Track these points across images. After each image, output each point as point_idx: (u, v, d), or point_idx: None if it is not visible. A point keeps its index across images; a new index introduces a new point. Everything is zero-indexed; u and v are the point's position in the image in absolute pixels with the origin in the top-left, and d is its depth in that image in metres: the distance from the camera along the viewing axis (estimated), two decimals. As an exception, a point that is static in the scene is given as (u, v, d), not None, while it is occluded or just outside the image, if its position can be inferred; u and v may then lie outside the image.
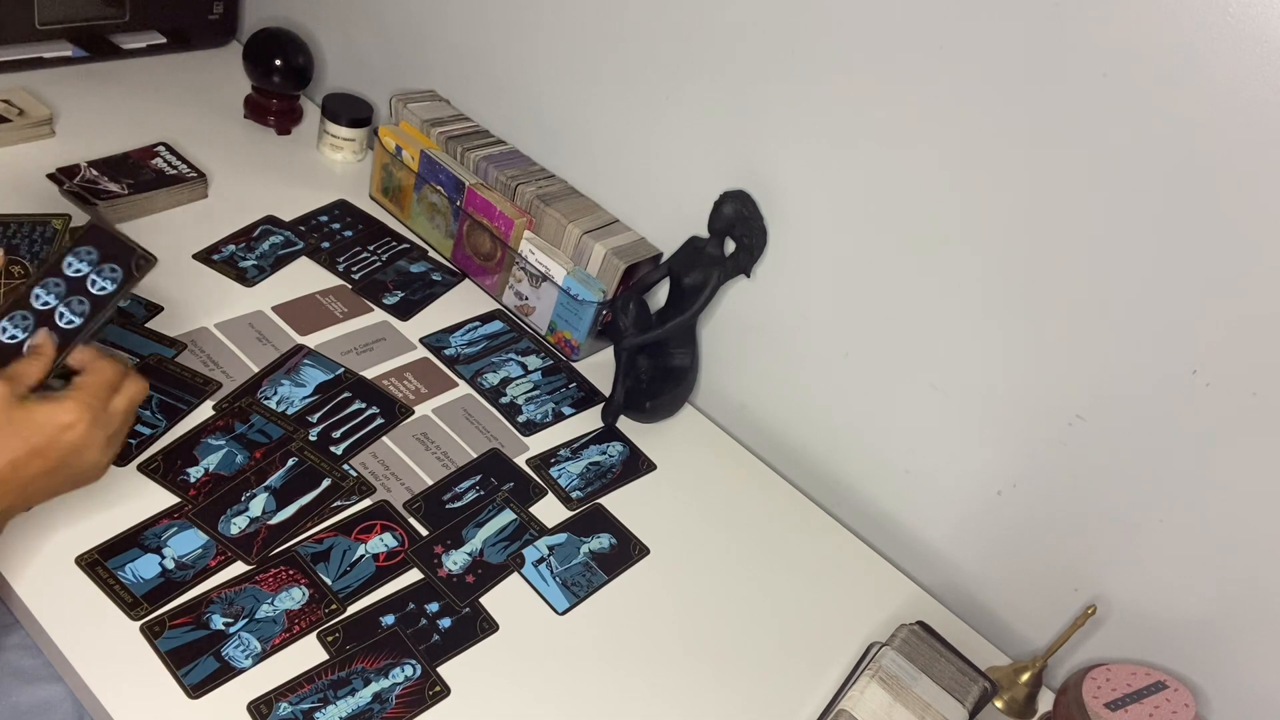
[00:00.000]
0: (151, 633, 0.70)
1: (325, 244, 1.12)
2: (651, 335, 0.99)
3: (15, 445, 0.63)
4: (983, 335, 0.88)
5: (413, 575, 0.81)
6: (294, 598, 0.76)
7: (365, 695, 0.72)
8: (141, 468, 0.81)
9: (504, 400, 1.01)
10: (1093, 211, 0.78)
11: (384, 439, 0.91)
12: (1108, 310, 0.80)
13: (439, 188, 1.13)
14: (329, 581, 0.78)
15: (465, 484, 0.90)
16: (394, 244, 1.16)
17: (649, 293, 1.05)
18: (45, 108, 1.12)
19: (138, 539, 0.76)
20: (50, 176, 1.05)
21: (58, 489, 0.68)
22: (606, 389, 1.05)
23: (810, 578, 0.95)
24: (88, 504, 0.77)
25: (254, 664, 0.71)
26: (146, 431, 0.84)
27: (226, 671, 0.70)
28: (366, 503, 0.85)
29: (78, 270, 0.68)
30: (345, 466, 0.87)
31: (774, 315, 1.02)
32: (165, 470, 0.81)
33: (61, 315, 0.66)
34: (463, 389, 1.00)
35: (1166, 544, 0.83)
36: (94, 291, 0.67)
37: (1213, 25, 0.69)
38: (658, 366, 1.04)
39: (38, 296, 0.68)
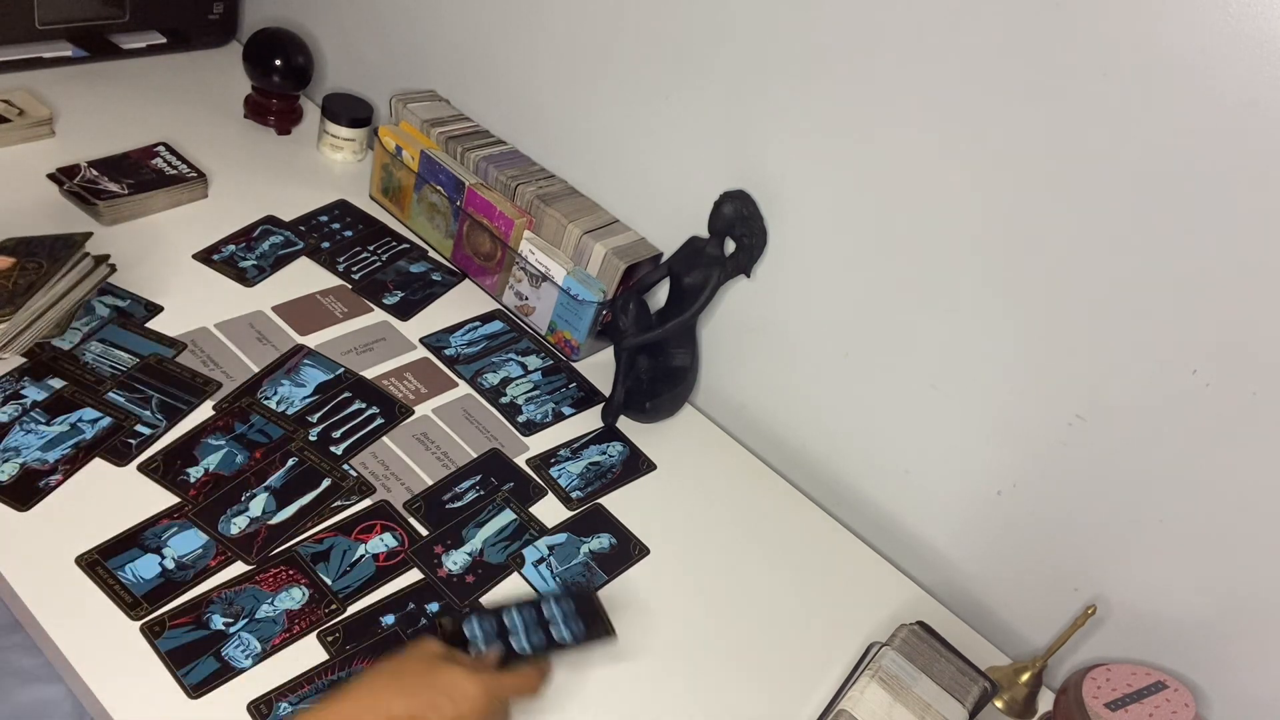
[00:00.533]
0: (151, 633, 0.70)
1: (325, 244, 1.12)
2: (651, 335, 0.99)
3: (419, 700, 0.62)
4: (983, 335, 0.88)
5: (413, 575, 0.81)
6: (294, 598, 0.76)
7: (365, 695, 0.71)
8: (141, 468, 0.81)
9: (504, 400, 1.01)
10: (1093, 211, 0.78)
11: (384, 439, 0.91)
12: (1108, 310, 0.80)
13: (439, 188, 1.13)
14: (329, 581, 0.78)
15: (465, 484, 0.90)
16: (394, 244, 1.16)
17: (649, 293, 1.05)
18: (45, 108, 1.12)
19: (138, 539, 0.76)
20: (50, 176, 1.05)
21: None
22: (606, 389, 1.05)
23: (810, 578, 0.95)
24: (88, 504, 0.77)
25: (254, 664, 0.71)
26: (146, 431, 0.84)
27: (226, 671, 0.70)
28: (366, 503, 0.85)
29: (550, 616, 0.75)
30: (345, 466, 0.87)
31: (774, 315, 1.02)
32: (165, 470, 0.81)
33: (517, 639, 0.72)
34: (463, 389, 1.00)
35: (1166, 544, 0.83)
36: (554, 635, 0.74)
37: (1213, 25, 0.69)
38: (658, 366, 1.04)
39: (510, 614, 0.74)
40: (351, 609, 0.77)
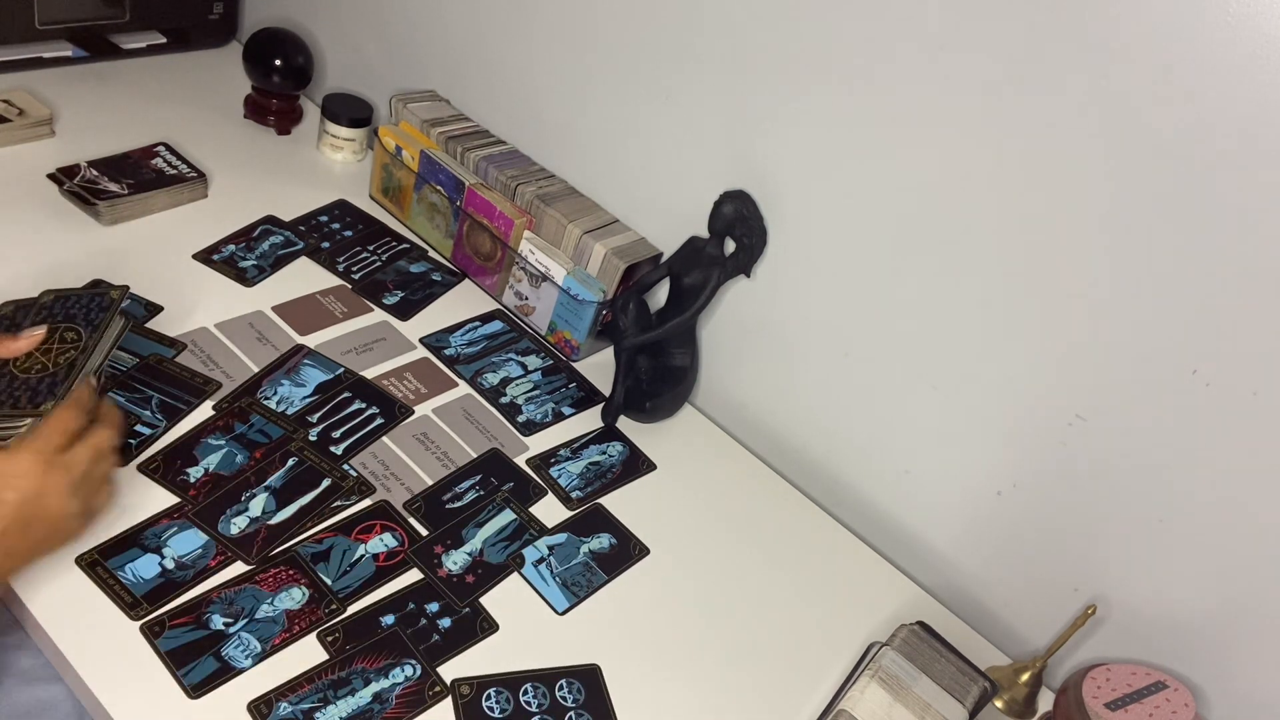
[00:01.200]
0: (151, 633, 0.70)
1: (325, 244, 1.12)
2: (651, 335, 0.99)
3: None
4: (983, 335, 0.88)
5: (413, 575, 0.81)
6: (294, 598, 0.76)
7: (365, 695, 0.72)
8: (141, 468, 0.81)
9: (504, 400, 1.01)
10: (1093, 211, 0.78)
11: (384, 439, 0.91)
12: (1108, 310, 0.80)
13: (439, 188, 1.13)
14: (329, 581, 0.78)
15: (465, 484, 0.90)
16: (394, 244, 1.16)
17: (649, 293, 1.05)
18: (45, 108, 1.12)
19: (138, 539, 0.76)
20: (50, 176, 1.05)
21: (35, 548, 0.67)
22: (606, 389, 1.05)
23: (810, 578, 0.95)
24: (88, 504, 0.77)
25: (254, 664, 0.71)
26: (146, 431, 0.84)
27: (226, 671, 0.70)
28: (366, 503, 0.85)
29: (563, 698, 0.76)
30: (345, 466, 0.87)
31: (774, 315, 1.02)
32: (165, 470, 0.81)
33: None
34: (463, 389, 1.00)
35: (1166, 544, 0.83)
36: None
37: (1213, 25, 0.69)
38: (658, 366, 1.04)
39: (526, 691, 0.75)
40: (351, 609, 0.77)
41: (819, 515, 1.03)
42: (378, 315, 1.05)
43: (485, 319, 1.11)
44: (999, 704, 0.88)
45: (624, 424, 1.04)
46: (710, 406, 1.11)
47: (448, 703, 0.73)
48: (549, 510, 0.91)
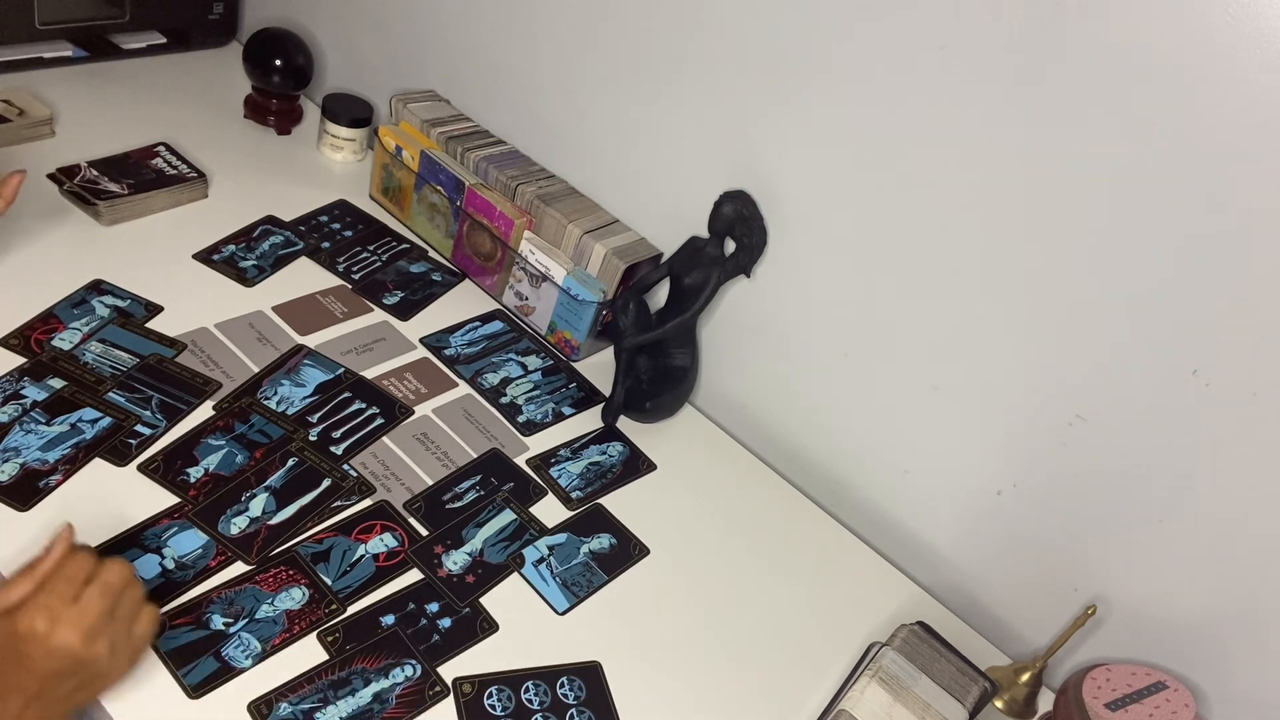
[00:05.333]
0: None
1: (325, 244, 1.12)
2: (651, 335, 0.99)
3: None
4: (983, 336, 0.88)
5: (413, 575, 0.81)
6: (294, 598, 0.76)
7: (365, 695, 0.72)
8: (141, 468, 0.81)
9: (504, 400, 1.01)
10: (1093, 212, 0.78)
11: (384, 439, 0.91)
12: (1108, 311, 0.80)
13: (439, 188, 1.13)
14: (329, 581, 0.78)
15: (465, 484, 0.90)
16: (394, 244, 1.16)
17: (649, 293, 1.05)
18: (45, 108, 1.12)
19: (138, 539, 0.76)
20: (50, 176, 1.05)
21: (75, 694, 0.62)
22: (606, 389, 1.05)
23: (810, 578, 0.95)
24: (88, 504, 0.77)
25: (254, 664, 0.71)
26: (146, 431, 0.84)
27: (226, 671, 0.70)
28: (366, 503, 0.85)
29: (564, 695, 0.75)
30: (345, 466, 0.87)
31: (774, 315, 1.02)
32: (165, 470, 0.81)
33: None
34: (463, 389, 1.00)
35: (1166, 544, 0.83)
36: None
37: (1213, 25, 0.69)
38: (658, 366, 1.04)
39: (527, 689, 0.75)
40: (351, 609, 0.77)
41: (819, 515, 1.03)
42: (378, 315, 1.05)
43: (485, 319, 1.11)
44: (999, 704, 0.88)
45: (624, 424, 1.04)
46: (710, 406, 1.11)
47: (448, 702, 0.73)
48: (549, 510, 0.91)
